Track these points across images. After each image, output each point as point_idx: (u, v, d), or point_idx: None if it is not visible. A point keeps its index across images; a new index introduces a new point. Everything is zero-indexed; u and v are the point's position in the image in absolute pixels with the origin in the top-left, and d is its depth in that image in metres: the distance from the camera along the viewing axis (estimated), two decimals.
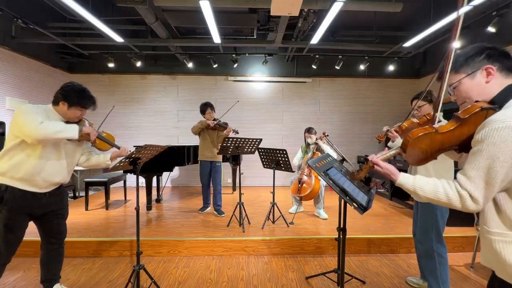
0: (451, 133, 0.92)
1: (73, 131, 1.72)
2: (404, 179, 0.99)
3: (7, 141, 1.70)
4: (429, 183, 0.94)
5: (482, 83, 0.94)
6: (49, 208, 1.88)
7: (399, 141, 1.98)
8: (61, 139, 1.73)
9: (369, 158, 1.09)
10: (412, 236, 2.24)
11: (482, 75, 0.94)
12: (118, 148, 2.01)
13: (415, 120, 1.91)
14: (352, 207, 1.32)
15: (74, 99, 1.79)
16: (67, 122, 1.81)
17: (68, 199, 5.21)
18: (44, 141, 1.67)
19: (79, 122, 1.88)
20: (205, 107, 3.80)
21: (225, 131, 3.70)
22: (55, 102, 1.80)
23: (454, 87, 1.00)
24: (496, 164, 0.80)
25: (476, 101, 0.94)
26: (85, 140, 1.90)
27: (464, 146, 0.94)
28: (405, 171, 2.08)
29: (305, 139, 3.89)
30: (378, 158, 1.07)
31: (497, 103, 0.90)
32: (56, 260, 2.02)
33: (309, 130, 3.81)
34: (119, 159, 2.01)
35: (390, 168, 1.03)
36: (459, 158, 1.16)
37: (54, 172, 1.81)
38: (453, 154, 1.10)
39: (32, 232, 2.07)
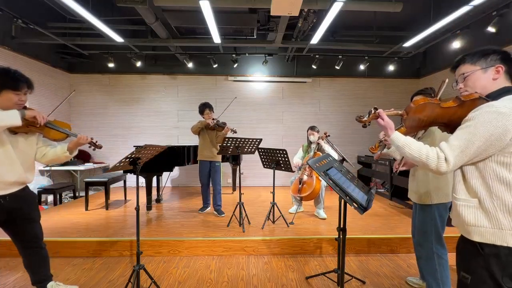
0: (449, 109, 1.11)
1: (13, 116, 1.54)
2: (397, 135, 1.17)
3: None
4: (416, 143, 1.11)
5: (490, 79, 1.09)
6: (15, 213, 1.74)
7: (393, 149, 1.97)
8: (2, 129, 1.56)
9: (378, 109, 1.25)
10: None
11: (493, 72, 1.09)
12: (75, 136, 1.82)
13: None
14: (352, 207, 1.32)
15: (1, 82, 1.59)
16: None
17: (69, 199, 5.22)
18: None
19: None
20: (204, 107, 3.80)
21: (223, 131, 3.70)
22: None
23: (466, 76, 1.13)
24: (475, 138, 0.97)
25: (475, 92, 1.10)
26: (34, 129, 1.71)
27: (450, 125, 1.12)
28: (407, 172, 2.09)
29: (307, 137, 3.89)
30: (385, 112, 1.25)
31: (490, 98, 1.06)
32: (40, 263, 1.92)
33: (312, 128, 3.81)
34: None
35: (390, 124, 1.21)
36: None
37: (4, 171, 1.64)
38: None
39: None
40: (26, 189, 1.83)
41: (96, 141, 1.95)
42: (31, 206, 1.86)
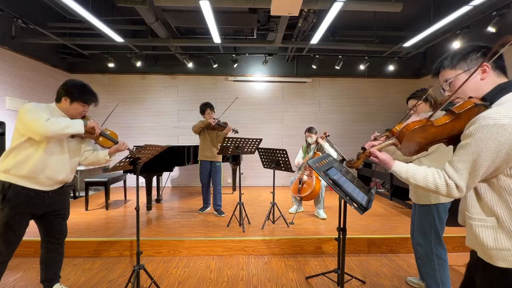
0: (444, 126, 0.98)
1: (79, 125, 1.74)
2: (399, 168, 1.05)
3: (13, 140, 1.72)
4: (420, 171, 1.00)
5: (477, 80, 0.98)
6: (51, 207, 1.88)
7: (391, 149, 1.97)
8: (68, 135, 1.74)
9: (366, 147, 1.13)
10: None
11: (478, 72, 0.97)
12: (117, 143, 2.01)
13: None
14: (352, 207, 1.32)
15: (75, 94, 1.81)
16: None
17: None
18: (53, 138, 1.68)
19: (83, 119, 1.89)
20: (205, 107, 3.80)
21: (224, 130, 3.70)
22: (58, 99, 1.81)
23: (450, 82, 1.03)
24: (481, 158, 0.86)
25: (470, 97, 0.98)
26: (89, 136, 1.90)
27: (453, 139, 1.00)
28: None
29: (306, 139, 3.89)
30: (376, 148, 1.11)
31: (487, 100, 0.95)
32: (56, 260, 2.02)
33: (309, 130, 3.81)
34: (118, 154, 2.02)
35: (386, 158, 1.08)
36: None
37: (57, 170, 1.81)
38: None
39: (32, 231, 2.08)
40: (64, 186, 1.97)
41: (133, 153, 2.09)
42: (65, 203, 2.00)
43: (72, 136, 1.86)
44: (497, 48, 0.93)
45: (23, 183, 1.72)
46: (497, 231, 0.89)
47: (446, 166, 0.96)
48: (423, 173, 0.99)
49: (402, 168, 1.04)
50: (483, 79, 0.97)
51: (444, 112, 1.05)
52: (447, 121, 0.97)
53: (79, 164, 2.04)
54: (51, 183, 1.82)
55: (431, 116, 1.01)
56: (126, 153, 2.01)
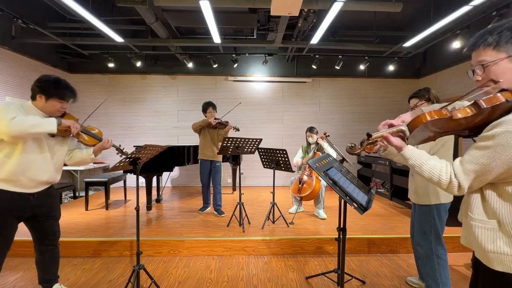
0: (464, 119, 0.86)
1: (49, 124, 1.63)
2: (410, 152, 0.95)
3: None
4: (429, 163, 0.93)
5: None
6: (39, 209, 1.82)
7: (391, 149, 1.93)
8: (39, 134, 1.64)
9: (372, 135, 1.00)
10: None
11: None
12: (101, 140, 1.93)
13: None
14: (352, 207, 1.32)
15: (50, 90, 1.70)
16: (50, 117, 1.72)
17: (69, 199, 5.22)
18: (20, 137, 1.58)
19: (63, 116, 1.81)
20: (207, 106, 3.79)
21: (225, 129, 3.70)
22: (33, 97, 1.72)
23: (486, 66, 0.86)
24: (495, 164, 0.80)
25: (502, 90, 0.84)
26: (68, 134, 1.81)
27: (471, 131, 0.90)
28: (407, 171, 2.07)
29: (306, 139, 3.89)
30: (388, 132, 0.98)
31: None
32: (52, 261, 1.97)
33: (310, 129, 3.81)
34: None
35: (399, 143, 0.96)
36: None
37: (39, 171, 1.74)
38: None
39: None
40: (51, 187, 1.91)
41: (123, 148, 2.05)
42: (54, 204, 1.94)
43: (53, 135, 1.77)
44: None
45: (4, 187, 1.65)
46: (497, 234, 0.87)
47: (455, 164, 0.90)
48: (431, 165, 0.92)
49: (414, 154, 0.95)
50: None
51: (466, 103, 0.92)
52: (469, 114, 0.84)
53: (65, 164, 1.97)
54: (34, 185, 1.75)
55: (445, 106, 0.90)
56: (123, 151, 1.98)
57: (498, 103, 0.80)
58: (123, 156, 1.99)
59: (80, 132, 1.84)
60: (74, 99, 1.82)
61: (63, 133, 1.78)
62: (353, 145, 1.09)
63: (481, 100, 0.83)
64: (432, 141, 1.02)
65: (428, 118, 0.86)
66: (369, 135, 1.01)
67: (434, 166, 0.92)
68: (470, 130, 0.91)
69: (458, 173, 0.88)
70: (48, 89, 1.70)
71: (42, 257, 1.94)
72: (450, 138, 1.85)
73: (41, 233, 1.89)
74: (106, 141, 1.93)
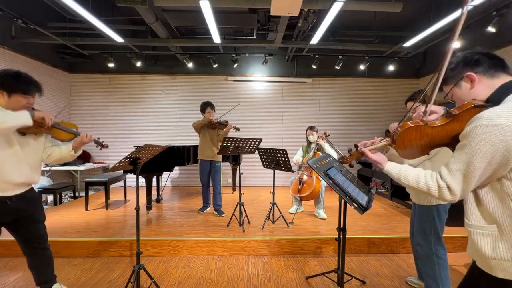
0: (441, 128, 0.94)
1: (23, 117, 1.55)
2: (390, 167, 1.05)
3: None
4: (412, 172, 0.98)
5: (468, 90, 0.97)
6: (20, 213, 1.73)
7: (393, 151, 1.95)
8: (12, 128, 1.56)
9: (359, 145, 1.13)
10: None
11: (466, 82, 0.96)
12: (78, 135, 1.85)
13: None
14: (352, 207, 1.32)
15: (11, 85, 1.59)
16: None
17: (69, 199, 5.22)
18: None
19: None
20: (206, 106, 3.79)
21: (225, 128, 3.70)
22: None
23: (450, 96, 1.03)
24: (475, 160, 0.83)
25: (473, 99, 0.95)
26: (42, 128, 1.72)
27: (456, 143, 0.95)
28: None
29: (307, 138, 3.89)
30: (368, 148, 1.12)
31: (492, 101, 0.91)
32: (45, 264, 1.91)
33: (311, 128, 3.81)
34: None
35: (377, 159, 1.10)
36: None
37: (11, 171, 1.64)
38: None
39: None
40: (31, 190, 1.83)
41: (103, 141, 2.01)
42: (36, 206, 1.85)
43: (24, 133, 1.68)
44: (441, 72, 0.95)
45: None
46: (497, 240, 0.85)
47: (441, 168, 0.93)
48: (415, 174, 0.97)
49: (395, 169, 1.04)
50: (473, 88, 0.95)
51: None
52: (444, 122, 0.93)
53: (46, 164, 1.93)
54: (9, 187, 1.66)
55: (424, 115, 1.01)
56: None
57: (467, 108, 0.90)
58: (86, 143, 1.88)
59: (53, 127, 1.76)
60: (39, 93, 1.71)
61: (35, 130, 1.70)
62: (344, 156, 1.20)
63: (451, 109, 0.95)
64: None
65: (405, 127, 0.97)
66: (356, 146, 1.13)
67: (419, 174, 0.96)
68: (456, 141, 0.94)
69: (444, 174, 0.90)
70: (9, 84, 1.60)
71: (33, 261, 1.88)
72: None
73: (27, 237, 1.81)
74: (84, 135, 1.84)
